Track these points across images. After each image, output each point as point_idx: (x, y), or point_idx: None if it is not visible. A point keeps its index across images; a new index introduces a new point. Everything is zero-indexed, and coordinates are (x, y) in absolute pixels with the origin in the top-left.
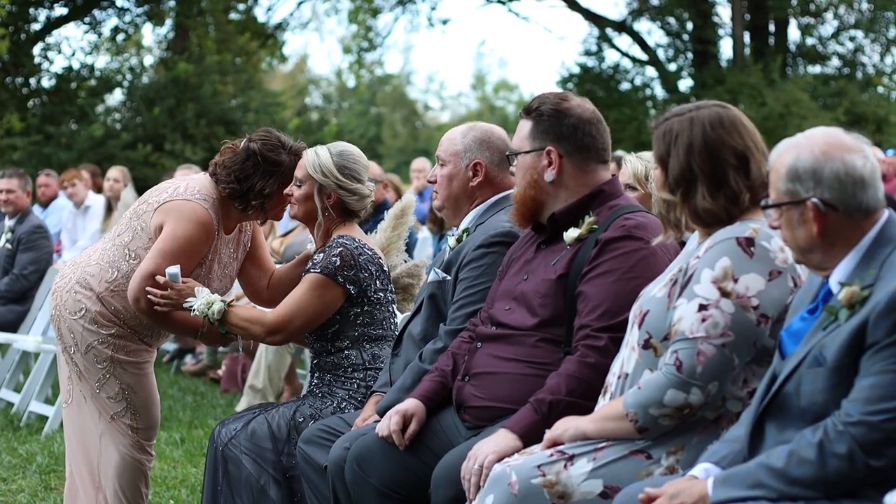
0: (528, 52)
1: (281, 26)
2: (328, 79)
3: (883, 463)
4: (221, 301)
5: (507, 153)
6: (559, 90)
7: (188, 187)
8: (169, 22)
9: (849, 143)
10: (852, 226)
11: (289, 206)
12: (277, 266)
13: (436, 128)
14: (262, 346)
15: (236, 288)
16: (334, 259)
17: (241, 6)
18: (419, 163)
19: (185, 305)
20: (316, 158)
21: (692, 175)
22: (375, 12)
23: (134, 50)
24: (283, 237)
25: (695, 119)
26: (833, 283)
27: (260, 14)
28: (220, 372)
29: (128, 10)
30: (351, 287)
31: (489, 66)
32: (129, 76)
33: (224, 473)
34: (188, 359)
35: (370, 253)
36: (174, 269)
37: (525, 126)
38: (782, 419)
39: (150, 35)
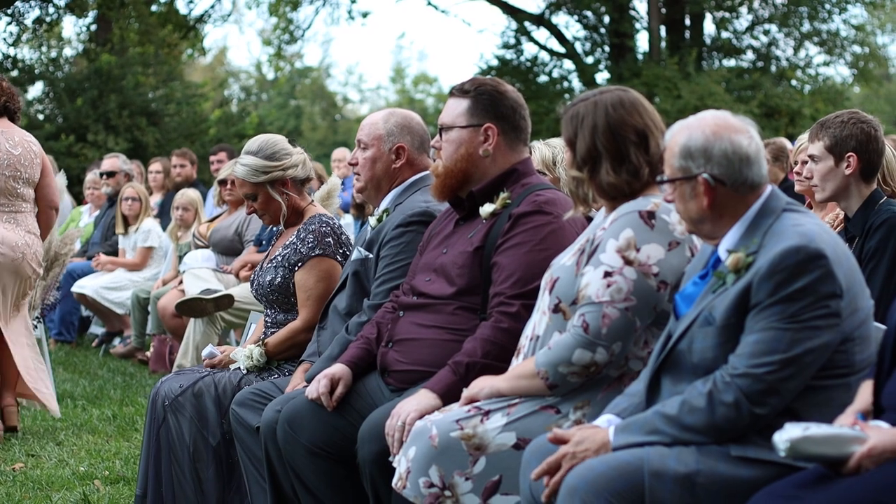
0: (447, 46)
1: (202, 19)
2: (248, 71)
3: (766, 411)
4: (257, 346)
5: (440, 126)
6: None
7: None
8: (91, 13)
9: (736, 125)
10: (739, 199)
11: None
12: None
13: (355, 120)
14: (189, 328)
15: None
16: (328, 240)
17: None
18: (339, 152)
19: (231, 367)
20: (247, 168)
21: (597, 152)
22: (296, 5)
23: (55, 41)
24: (210, 222)
25: (598, 102)
26: (721, 251)
27: (181, 6)
28: (147, 354)
29: (51, 0)
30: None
31: (408, 59)
32: (50, 68)
33: (166, 430)
34: (116, 342)
35: (346, 236)
36: (209, 349)
37: (461, 103)
38: (676, 373)
39: (71, 26)
